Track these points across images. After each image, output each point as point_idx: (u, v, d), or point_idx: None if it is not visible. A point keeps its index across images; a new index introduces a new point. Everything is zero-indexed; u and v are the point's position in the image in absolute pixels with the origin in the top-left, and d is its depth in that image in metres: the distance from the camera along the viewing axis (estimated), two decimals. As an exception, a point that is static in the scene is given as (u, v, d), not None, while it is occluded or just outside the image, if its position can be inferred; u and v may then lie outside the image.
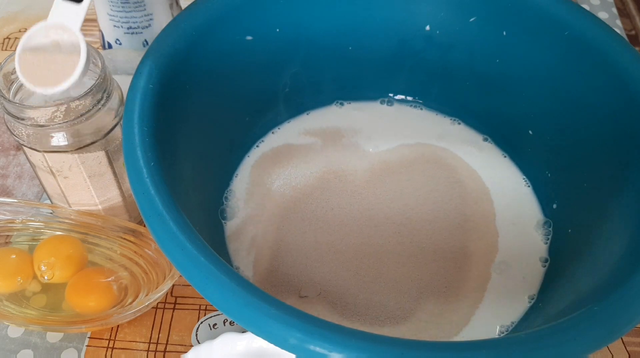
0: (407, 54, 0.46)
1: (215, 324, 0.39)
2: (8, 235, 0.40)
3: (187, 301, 0.40)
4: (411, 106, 0.48)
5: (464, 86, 0.45)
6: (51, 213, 0.40)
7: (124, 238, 0.39)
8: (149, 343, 0.38)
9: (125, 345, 0.38)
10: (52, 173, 0.37)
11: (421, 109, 0.48)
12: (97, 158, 0.37)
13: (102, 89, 0.35)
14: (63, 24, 0.34)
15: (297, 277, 0.38)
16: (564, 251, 0.38)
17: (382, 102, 0.48)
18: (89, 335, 0.38)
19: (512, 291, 0.37)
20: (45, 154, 0.36)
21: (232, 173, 0.43)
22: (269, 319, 0.24)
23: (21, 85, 0.36)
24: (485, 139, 0.46)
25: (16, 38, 0.58)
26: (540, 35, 0.39)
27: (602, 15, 0.62)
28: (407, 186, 0.43)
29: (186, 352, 0.34)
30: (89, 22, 0.60)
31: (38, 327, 0.37)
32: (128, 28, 0.50)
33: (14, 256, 0.38)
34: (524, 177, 0.44)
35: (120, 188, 0.40)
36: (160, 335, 0.38)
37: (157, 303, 0.39)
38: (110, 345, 0.38)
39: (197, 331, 0.38)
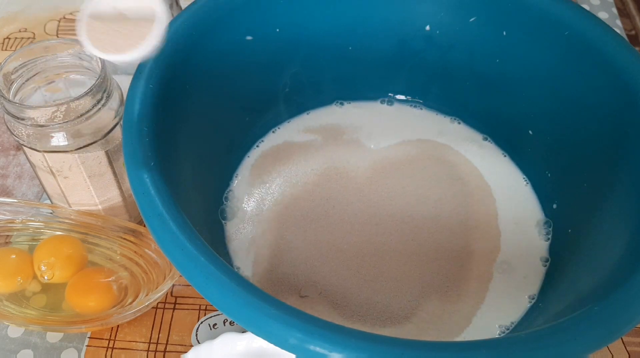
0: (407, 54, 0.46)
1: (215, 324, 0.39)
2: (8, 235, 0.40)
3: (187, 301, 0.40)
4: (411, 105, 0.48)
5: (463, 86, 0.45)
6: (51, 213, 0.40)
7: (124, 238, 0.39)
8: (149, 343, 0.38)
9: (125, 345, 0.38)
10: (52, 173, 0.37)
11: (421, 108, 0.48)
12: (97, 158, 0.37)
13: (102, 89, 0.35)
14: None
15: (297, 276, 0.38)
16: (564, 251, 0.38)
17: (382, 102, 0.48)
18: (89, 335, 0.38)
19: (513, 291, 0.37)
20: (45, 154, 0.36)
21: (232, 173, 0.43)
22: (269, 319, 0.24)
23: (21, 85, 0.36)
24: (485, 139, 0.46)
25: (16, 38, 0.58)
26: (540, 35, 0.39)
27: (602, 15, 0.62)
28: (409, 183, 0.43)
29: (186, 352, 0.34)
30: (89, 22, 0.60)
31: (38, 327, 0.37)
32: (128, 28, 0.50)
33: (14, 256, 0.38)
34: (524, 177, 0.44)
35: (120, 188, 0.40)
36: (160, 335, 0.38)
37: (157, 303, 0.39)
38: (110, 345, 0.38)
39: (197, 331, 0.38)
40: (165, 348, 0.37)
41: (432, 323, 0.36)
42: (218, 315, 0.39)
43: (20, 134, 0.35)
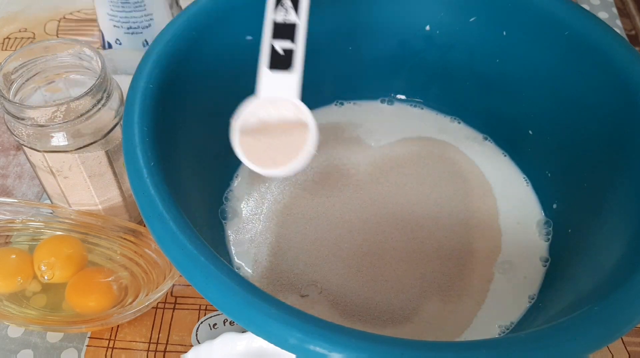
0: (407, 54, 0.46)
1: (215, 324, 0.39)
2: (8, 235, 0.40)
3: (187, 301, 0.40)
4: (411, 105, 0.48)
5: (463, 85, 0.45)
6: (51, 213, 0.40)
7: (124, 238, 0.39)
8: (149, 343, 0.38)
9: (125, 345, 0.38)
10: (52, 173, 0.37)
11: (421, 108, 0.48)
12: (97, 158, 0.37)
13: (102, 89, 0.35)
14: (276, 97, 0.32)
15: (297, 276, 0.38)
16: (564, 251, 0.38)
17: (382, 102, 0.48)
18: (89, 335, 0.38)
19: (514, 291, 0.37)
20: (45, 154, 0.36)
21: (232, 173, 0.43)
22: (269, 319, 0.24)
23: (21, 85, 0.36)
24: (486, 138, 0.46)
25: (16, 38, 0.58)
26: (540, 35, 0.39)
27: (602, 15, 0.62)
28: (410, 180, 0.43)
29: (186, 352, 0.34)
30: (89, 22, 0.60)
31: (38, 327, 0.37)
32: (128, 28, 0.50)
33: (14, 256, 0.38)
34: (524, 176, 0.44)
35: (120, 188, 0.40)
36: (160, 335, 0.38)
37: (157, 303, 0.39)
38: (110, 345, 0.38)
39: (197, 331, 0.38)
40: (165, 348, 0.37)
41: (432, 324, 0.36)
42: (218, 315, 0.39)
43: (20, 134, 0.35)
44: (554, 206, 0.41)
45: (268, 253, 0.39)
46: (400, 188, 0.42)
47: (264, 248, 0.39)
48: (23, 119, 0.34)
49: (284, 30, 0.31)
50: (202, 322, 0.39)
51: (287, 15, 0.31)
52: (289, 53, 0.31)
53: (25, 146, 0.36)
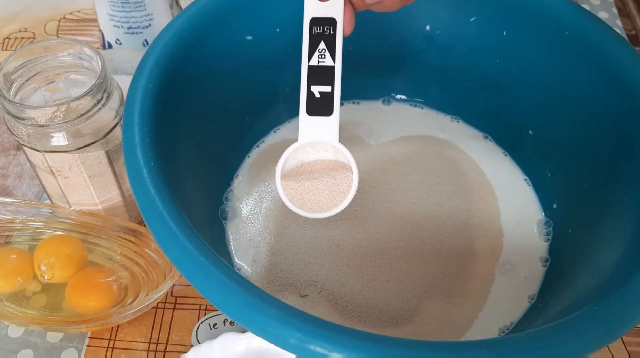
0: (407, 54, 0.46)
1: (215, 324, 0.39)
2: (8, 235, 0.40)
3: (187, 301, 0.40)
4: (411, 104, 0.48)
5: (464, 85, 0.45)
6: (51, 213, 0.40)
7: (124, 238, 0.39)
8: (149, 343, 0.38)
9: (125, 345, 0.38)
10: (52, 173, 0.37)
11: (422, 108, 0.48)
12: (97, 158, 0.37)
13: (102, 89, 0.35)
14: (316, 141, 0.33)
15: (297, 275, 0.38)
16: (564, 251, 0.38)
17: (382, 102, 0.48)
18: (89, 335, 0.38)
19: (514, 291, 0.37)
20: (46, 154, 0.36)
21: (232, 174, 0.43)
22: (269, 319, 0.24)
23: (21, 85, 0.36)
24: (486, 137, 0.46)
25: (16, 38, 0.58)
26: (540, 35, 0.39)
27: (602, 15, 0.62)
28: (411, 179, 0.43)
29: (186, 352, 0.34)
30: (89, 22, 0.60)
31: (38, 327, 0.37)
32: (128, 28, 0.50)
33: (14, 256, 0.38)
34: (525, 176, 0.44)
35: (120, 188, 0.40)
36: (160, 335, 0.38)
37: (157, 303, 0.39)
38: (111, 345, 0.38)
39: (197, 331, 0.38)
40: (165, 348, 0.37)
41: (433, 325, 0.36)
42: (218, 315, 0.39)
43: (20, 134, 0.35)
44: (554, 206, 0.41)
45: (267, 253, 0.39)
46: (401, 186, 0.42)
47: (263, 248, 0.39)
48: (23, 119, 0.34)
49: (320, 74, 0.32)
50: (202, 322, 0.39)
51: (322, 59, 0.32)
52: (326, 96, 0.32)
53: (25, 146, 0.36)
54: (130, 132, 0.31)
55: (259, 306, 0.24)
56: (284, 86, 0.44)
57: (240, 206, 0.41)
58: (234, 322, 0.39)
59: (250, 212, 0.41)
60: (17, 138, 0.36)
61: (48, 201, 0.43)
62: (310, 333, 0.24)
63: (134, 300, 0.37)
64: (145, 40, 0.51)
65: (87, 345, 0.38)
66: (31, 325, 0.37)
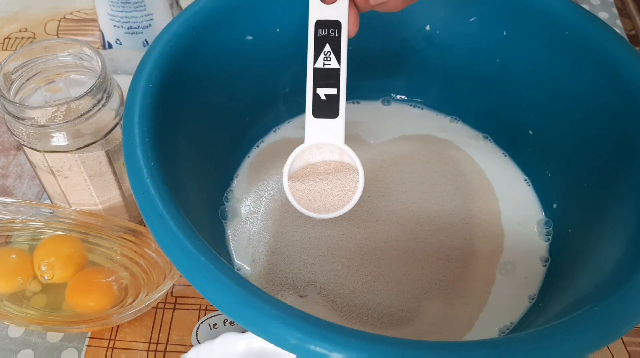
0: (407, 54, 0.46)
1: (215, 324, 0.39)
2: (8, 235, 0.40)
3: (187, 301, 0.40)
4: (411, 105, 0.48)
5: (464, 85, 0.45)
6: (51, 213, 0.40)
7: (124, 238, 0.39)
8: (149, 343, 0.38)
9: (125, 345, 0.38)
10: (52, 173, 0.37)
11: (421, 108, 0.48)
12: (97, 158, 0.37)
13: (102, 89, 0.35)
14: (322, 143, 0.33)
15: (296, 275, 0.38)
16: (564, 251, 0.38)
17: (382, 102, 0.48)
18: (89, 335, 0.38)
19: (514, 291, 0.37)
20: (46, 154, 0.36)
21: (232, 174, 0.43)
22: (269, 319, 0.24)
23: (21, 85, 0.36)
24: (486, 137, 0.46)
25: (16, 38, 0.58)
26: (540, 35, 0.39)
27: (602, 15, 0.62)
28: (410, 178, 0.42)
29: (186, 352, 0.34)
30: (89, 22, 0.60)
31: (38, 327, 0.37)
32: (128, 28, 0.50)
33: (14, 256, 0.38)
34: (525, 176, 0.44)
35: (120, 188, 0.40)
36: (160, 335, 0.38)
37: (157, 303, 0.39)
38: (111, 345, 0.38)
39: (197, 331, 0.38)
40: (166, 348, 0.37)
41: (433, 326, 0.36)
42: (218, 315, 0.39)
43: (20, 134, 0.35)
44: (554, 206, 0.41)
45: (266, 253, 0.39)
46: (401, 186, 0.42)
47: (262, 248, 0.39)
48: (23, 119, 0.34)
49: (326, 76, 0.33)
50: (202, 322, 0.39)
51: (328, 61, 0.32)
52: (331, 98, 0.32)
53: (25, 146, 0.36)
54: (130, 132, 0.31)
55: (259, 306, 0.24)
56: (284, 86, 0.44)
57: (240, 206, 0.41)
58: (234, 322, 0.39)
59: (249, 212, 0.41)
60: (17, 138, 0.36)
61: (48, 201, 0.43)
62: (310, 333, 0.24)
63: (134, 300, 0.37)
64: (145, 40, 0.51)
65: (87, 345, 0.38)
66: (31, 325, 0.37)
